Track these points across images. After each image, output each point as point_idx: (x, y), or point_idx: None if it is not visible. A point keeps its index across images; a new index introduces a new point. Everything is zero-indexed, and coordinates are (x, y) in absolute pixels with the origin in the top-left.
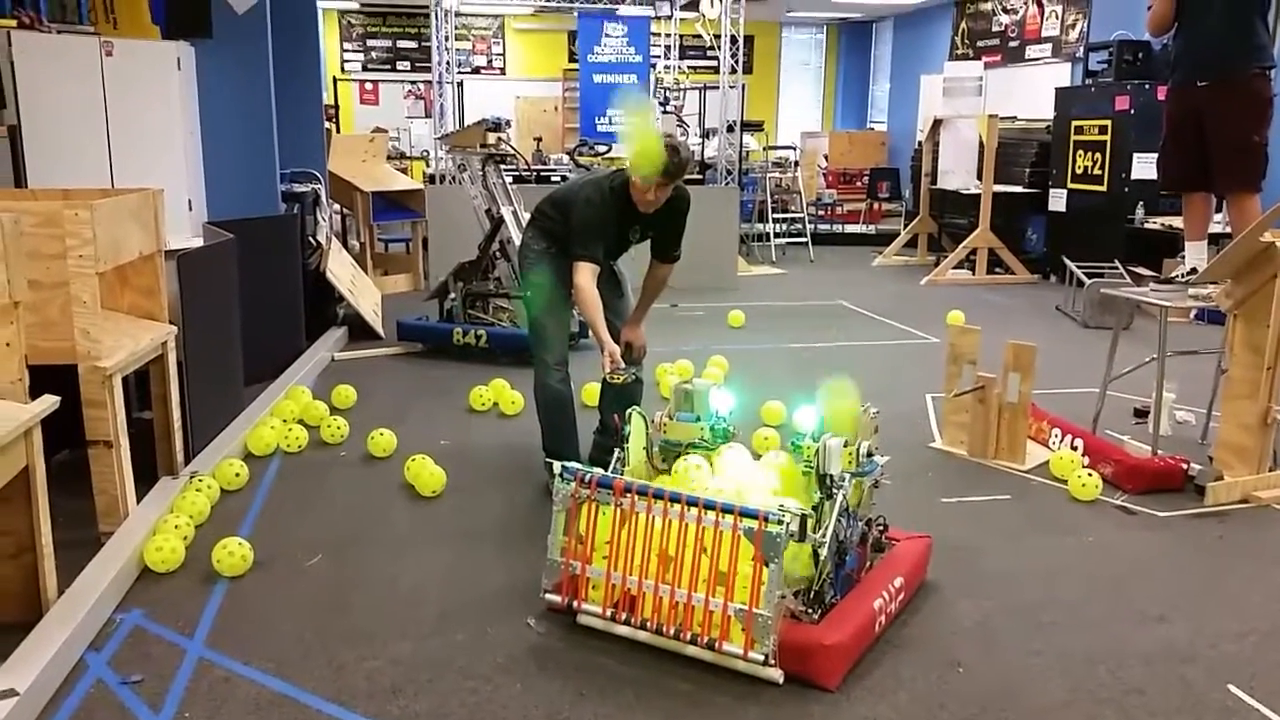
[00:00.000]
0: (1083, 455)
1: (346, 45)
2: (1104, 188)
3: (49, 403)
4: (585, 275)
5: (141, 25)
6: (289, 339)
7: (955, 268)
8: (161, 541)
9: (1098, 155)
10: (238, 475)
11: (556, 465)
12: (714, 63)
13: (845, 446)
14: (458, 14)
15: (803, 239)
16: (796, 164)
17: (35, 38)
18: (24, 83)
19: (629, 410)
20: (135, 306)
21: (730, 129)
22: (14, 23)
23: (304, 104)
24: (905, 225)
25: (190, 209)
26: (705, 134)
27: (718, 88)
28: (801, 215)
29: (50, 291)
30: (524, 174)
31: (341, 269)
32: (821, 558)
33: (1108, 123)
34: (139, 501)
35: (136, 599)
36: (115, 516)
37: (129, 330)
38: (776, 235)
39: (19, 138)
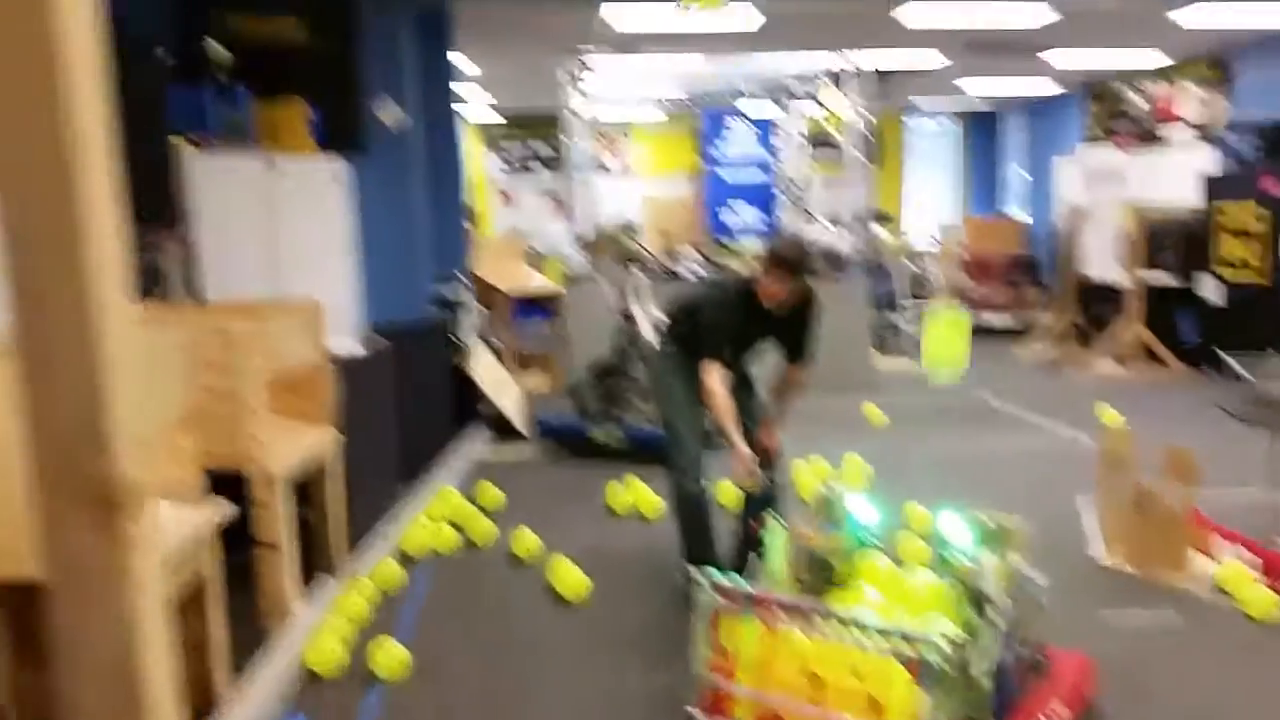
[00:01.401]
0: (1255, 568)
1: (486, 150)
2: (1262, 277)
3: (227, 510)
4: (714, 377)
5: (303, 143)
6: (438, 437)
7: (1104, 360)
8: (323, 644)
9: (1254, 243)
10: (394, 576)
11: (696, 574)
12: (841, 153)
13: (1000, 562)
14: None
15: None
16: (931, 254)
17: (208, 157)
18: (197, 199)
19: (768, 516)
20: (299, 411)
21: (860, 220)
22: (189, 144)
23: (449, 210)
24: (1048, 315)
25: (348, 314)
26: (834, 225)
27: (845, 178)
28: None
29: (223, 400)
30: (655, 272)
31: (485, 368)
32: (979, 685)
33: (1265, 209)
34: (302, 601)
35: (300, 699)
36: (280, 615)
37: (294, 435)
38: (914, 327)
39: (194, 252)
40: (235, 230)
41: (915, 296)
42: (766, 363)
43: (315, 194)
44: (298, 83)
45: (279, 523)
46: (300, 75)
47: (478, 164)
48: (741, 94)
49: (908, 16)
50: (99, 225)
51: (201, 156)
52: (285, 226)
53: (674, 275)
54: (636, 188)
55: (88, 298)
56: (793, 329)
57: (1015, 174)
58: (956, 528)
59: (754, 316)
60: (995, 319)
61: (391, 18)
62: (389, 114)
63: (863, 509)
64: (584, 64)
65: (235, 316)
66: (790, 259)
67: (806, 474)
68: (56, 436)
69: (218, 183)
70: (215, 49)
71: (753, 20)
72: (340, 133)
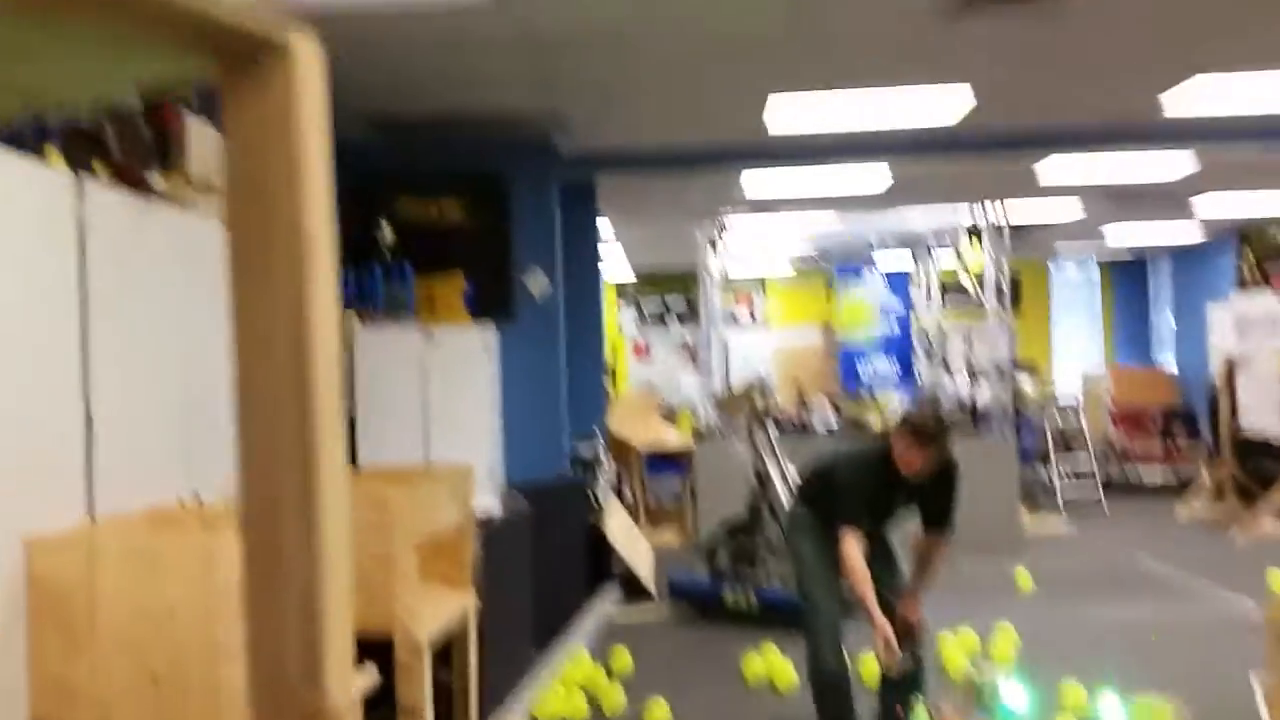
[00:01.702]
0: None
1: (621, 305)
2: None
3: (372, 677)
4: (850, 546)
5: (457, 313)
6: (572, 597)
7: (1270, 519)
8: None
9: None
10: None
11: None
12: (979, 302)
13: None
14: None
15: (1093, 488)
16: (1078, 407)
17: (372, 330)
18: (360, 371)
19: (911, 698)
20: (442, 574)
21: (1001, 370)
22: (357, 318)
23: (588, 369)
24: (1206, 470)
25: (490, 474)
26: (974, 377)
27: (983, 327)
28: (1089, 462)
29: (373, 566)
30: (788, 426)
31: (618, 526)
32: None
33: None
34: None
35: None
36: None
37: (439, 599)
38: (1062, 483)
39: (353, 421)
40: (390, 397)
41: (1062, 451)
42: (906, 530)
43: (466, 361)
44: (455, 258)
45: (421, 689)
46: (458, 251)
47: (613, 318)
48: (874, 247)
49: (1044, 172)
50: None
51: (366, 330)
52: (437, 392)
53: (807, 428)
54: (769, 340)
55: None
56: (932, 498)
57: (1164, 321)
58: (1118, 714)
59: (892, 485)
60: (1148, 474)
61: (542, 194)
62: (536, 283)
63: (1014, 694)
64: (721, 226)
65: (390, 482)
66: (928, 429)
67: (953, 648)
68: (274, 662)
69: (378, 354)
70: (385, 232)
71: (883, 181)
72: (491, 302)
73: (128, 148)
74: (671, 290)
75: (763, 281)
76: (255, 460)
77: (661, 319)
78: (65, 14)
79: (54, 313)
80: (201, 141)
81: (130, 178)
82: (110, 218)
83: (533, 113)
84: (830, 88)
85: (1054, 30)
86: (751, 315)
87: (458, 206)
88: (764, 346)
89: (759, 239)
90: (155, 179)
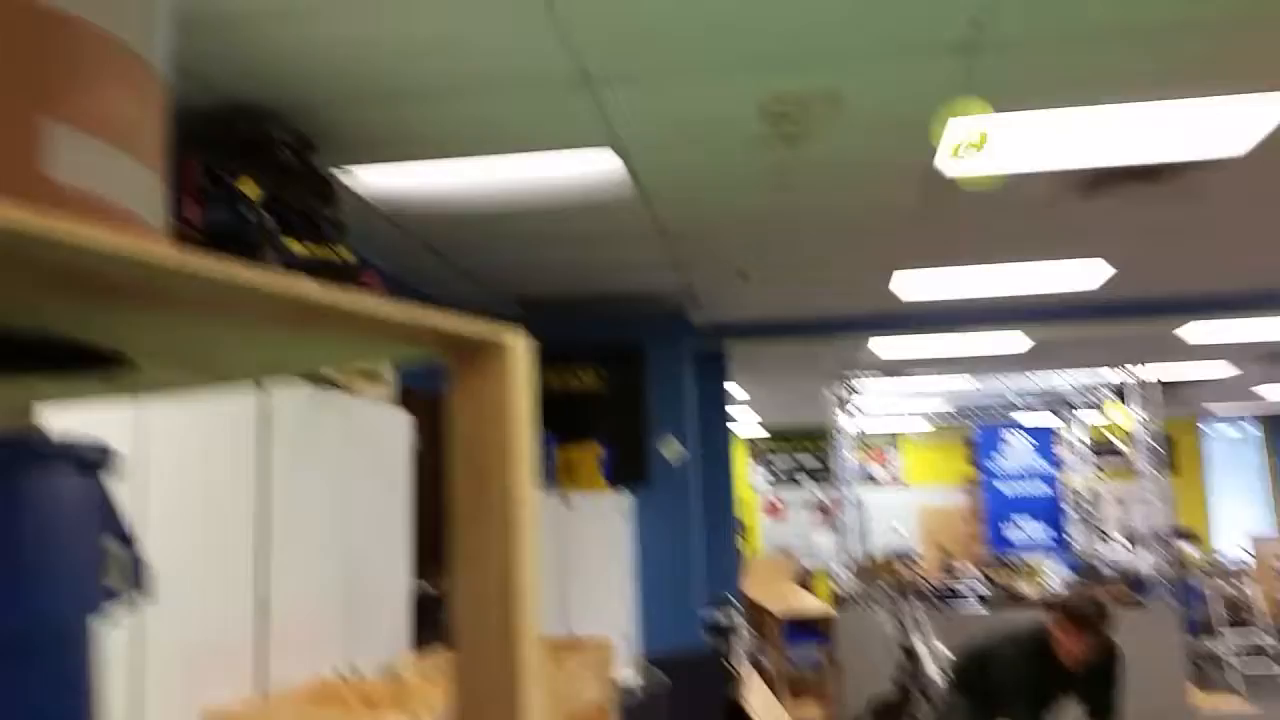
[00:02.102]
0: None
1: (752, 463)
2: None
3: None
4: None
5: (594, 480)
6: None
7: None
8: None
9: None
10: None
11: None
12: (1130, 462)
13: None
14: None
15: (1271, 660)
16: (1248, 573)
17: None
18: None
19: None
20: None
21: (1160, 536)
22: None
23: (722, 531)
24: None
25: (626, 645)
26: (1131, 541)
27: (1137, 490)
28: (1266, 633)
29: None
30: (933, 592)
31: (756, 698)
32: None
33: None
34: None
35: None
36: None
37: None
38: (1236, 656)
39: None
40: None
41: (1233, 622)
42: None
43: (603, 528)
44: (593, 425)
45: None
46: (595, 419)
47: (744, 477)
48: (1016, 406)
49: (1190, 334)
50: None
51: None
52: (574, 560)
53: (953, 595)
54: (907, 498)
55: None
56: (1094, 686)
57: None
58: None
59: (1051, 674)
60: None
61: (675, 362)
62: (671, 449)
63: None
64: (851, 387)
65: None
66: (1089, 616)
67: None
68: None
69: None
70: None
71: (1021, 343)
72: (627, 468)
73: None
74: (804, 447)
75: (898, 436)
76: (467, 694)
77: (794, 477)
78: (331, 330)
79: (234, 497)
80: None
81: None
82: (290, 405)
83: (667, 290)
84: (960, 264)
85: (1189, 206)
86: (888, 473)
87: (595, 376)
88: (903, 505)
89: (892, 398)
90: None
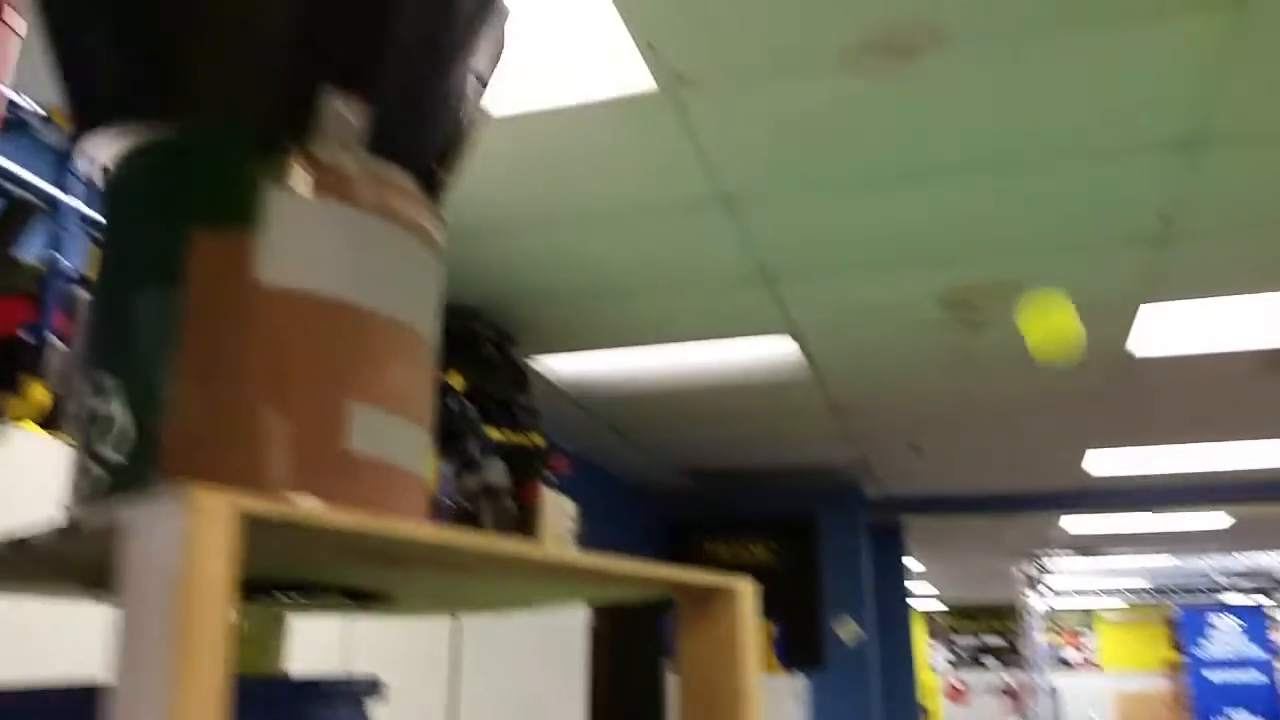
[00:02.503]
0: None
1: (933, 641)
2: None
3: None
4: None
5: (766, 660)
6: None
7: None
8: None
9: None
10: None
11: None
12: None
13: None
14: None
15: None
16: None
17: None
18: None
19: None
20: None
21: None
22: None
23: (901, 712)
24: None
25: None
26: None
27: None
28: None
29: None
30: None
31: None
32: None
33: None
34: None
35: None
36: None
37: None
38: None
39: None
40: None
41: None
42: None
43: (777, 712)
44: (765, 602)
45: None
46: (767, 595)
47: (922, 656)
48: (1221, 586)
49: None
50: None
51: None
52: None
53: None
54: (1103, 684)
55: None
56: None
57: None
58: None
59: None
60: None
61: (849, 537)
62: (847, 629)
63: None
64: (1041, 565)
65: None
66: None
67: None
68: None
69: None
70: None
71: (1222, 520)
72: (800, 648)
73: (499, 522)
74: (988, 626)
75: (1092, 616)
76: None
77: (978, 658)
78: (574, 581)
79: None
80: (555, 512)
81: None
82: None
83: (840, 463)
84: (1155, 443)
85: None
86: (1082, 655)
87: (766, 550)
88: (1098, 692)
89: (1085, 575)
90: None
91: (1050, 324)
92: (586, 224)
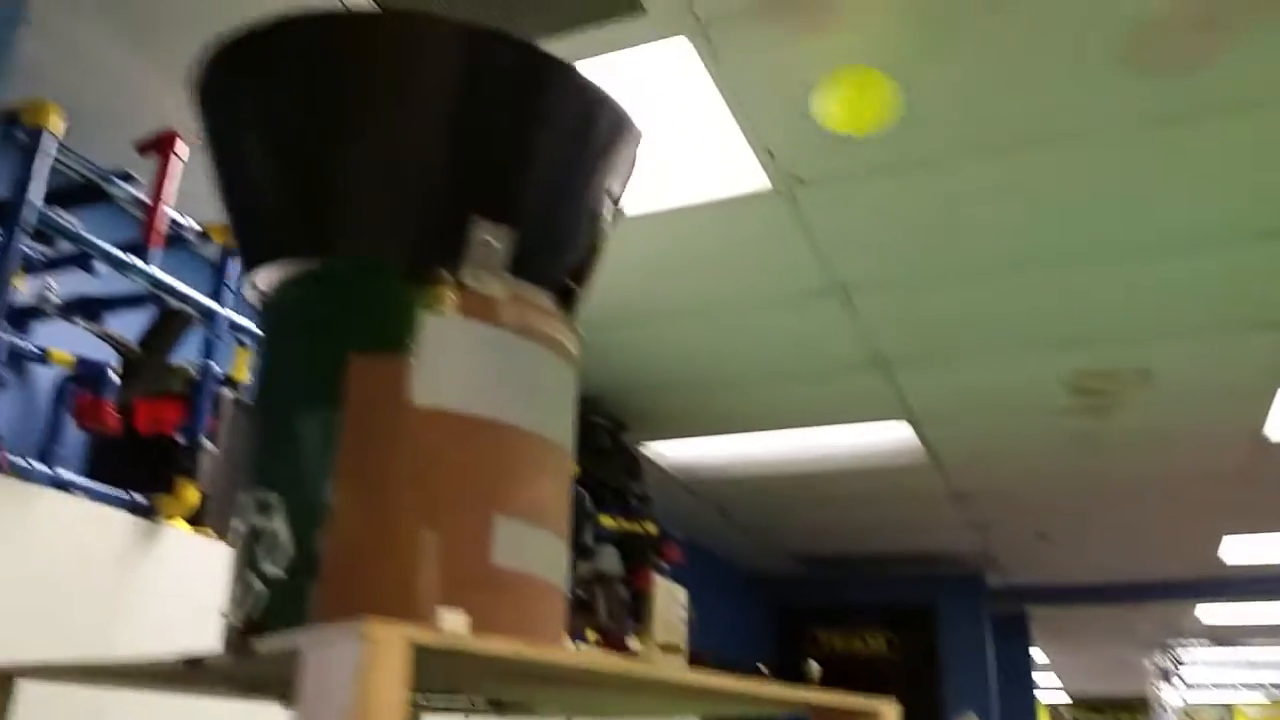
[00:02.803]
0: None
1: None
2: None
3: None
4: None
5: None
6: None
7: None
8: None
9: None
10: None
11: None
12: None
13: None
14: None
15: None
16: None
17: None
18: None
19: None
20: None
21: None
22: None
23: None
24: None
25: None
26: None
27: None
28: None
29: None
30: None
31: None
32: None
33: None
34: None
35: None
36: None
37: None
38: None
39: None
40: None
41: None
42: None
43: None
44: (881, 690)
45: None
46: (884, 685)
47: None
48: None
49: None
50: None
51: None
52: None
53: None
54: None
55: None
56: None
57: None
58: None
59: None
60: None
61: (971, 628)
62: None
63: None
64: (1175, 656)
65: None
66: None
67: None
68: None
69: None
70: (811, 666)
71: None
72: None
73: (612, 610)
74: (1117, 719)
75: (1231, 709)
76: None
77: None
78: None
79: None
80: (667, 599)
81: (614, 641)
82: None
83: (960, 550)
84: None
85: None
86: None
87: (883, 639)
88: None
89: (1223, 667)
90: (632, 640)
91: (862, 96)
92: (703, 317)
